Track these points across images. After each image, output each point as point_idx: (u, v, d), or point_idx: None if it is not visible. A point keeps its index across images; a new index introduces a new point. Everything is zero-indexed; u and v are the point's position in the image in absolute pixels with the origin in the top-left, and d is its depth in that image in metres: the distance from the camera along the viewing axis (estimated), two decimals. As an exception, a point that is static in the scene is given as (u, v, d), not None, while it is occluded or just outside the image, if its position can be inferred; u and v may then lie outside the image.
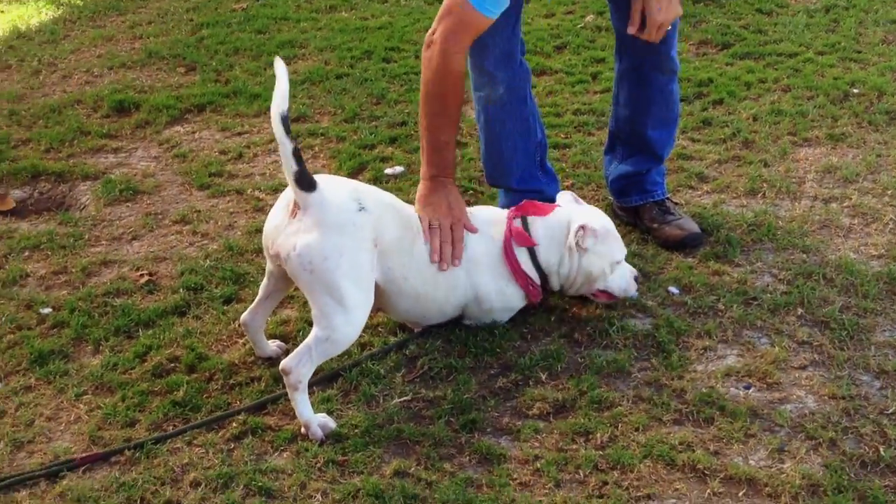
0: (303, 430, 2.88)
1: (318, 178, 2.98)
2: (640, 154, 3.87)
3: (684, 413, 2.93)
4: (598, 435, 2.84)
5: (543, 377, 3.11)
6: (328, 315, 2.88)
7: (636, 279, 3.38)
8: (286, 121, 2.82)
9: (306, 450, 2.82)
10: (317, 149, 4.75)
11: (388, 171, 4.46)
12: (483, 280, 3.24)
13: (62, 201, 4.49)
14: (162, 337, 3.35)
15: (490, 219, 3.35)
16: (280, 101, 2.81)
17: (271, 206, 4.19)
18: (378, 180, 4.39)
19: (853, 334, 3.24)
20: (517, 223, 3.29)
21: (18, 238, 4.09)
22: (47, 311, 3.55)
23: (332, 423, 2.89)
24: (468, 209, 3.35)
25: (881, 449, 2.76)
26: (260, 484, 2.68)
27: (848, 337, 3.22)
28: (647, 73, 3.69)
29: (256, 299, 3.18)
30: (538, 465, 2.75)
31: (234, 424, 2.93)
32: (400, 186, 4.32)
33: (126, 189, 4.42)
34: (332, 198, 2.94)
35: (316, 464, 2.77)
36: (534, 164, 3.80)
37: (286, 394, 3.01)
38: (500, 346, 3.24)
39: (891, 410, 2.90)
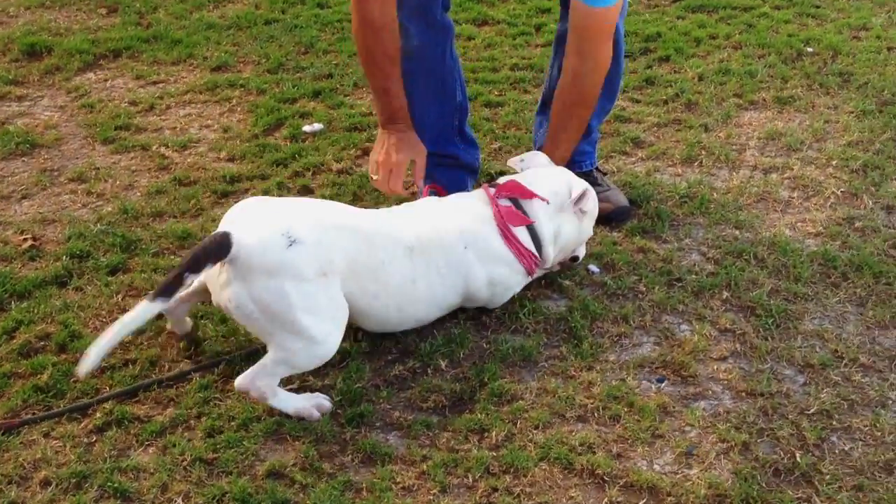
0: (296, 419, 2.65)
1: (240, 220, 2.65)
2: None
3: (589, 409, 2.69)
4: (495, 433, 2.61)
5: (443, 365, 2.86)
6: (296, 351, 2.62)
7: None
8: (161, 291, 2.51)
9: (174, 445, 2.57)
10: (234, 102, 4.46)
11: (307, 128, 4.18)
12: (470, 276, 2.93)
13: (-43, 153, 4.18)
14: (36, 311, 3.08)
15: (455, 209, 3.01)
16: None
17: (178, 164, 3.97)
18: (295, 138, 4.11)
19: (780, 322, 3.01)
20: (504, 203, 3.00)
21: None
22: (-84, 278, 3.26)
23: (327, 403, 2.67)
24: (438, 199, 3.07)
25: (797, 455, 2.54)
26: (116, 485, 2.43)
27: (774, 325, 3.00)
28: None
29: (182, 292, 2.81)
30: (425, 466, 2.52)
31: (99, 414, 2.67)
32: (318, 145, 4.05)
33: (23, 142, 4.12)
34: (255, 242, 2.57)
35: (182, 462, 2.52)
36: (450, 128, 3.53)
37: (161, 381, 2.77)
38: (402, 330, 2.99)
39: (812, 410, 2.68)
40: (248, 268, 2.57)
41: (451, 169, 3.55)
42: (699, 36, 4.96)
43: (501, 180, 3.10)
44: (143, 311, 2.50)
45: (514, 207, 3.00)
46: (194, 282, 2.67)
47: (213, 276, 2.66)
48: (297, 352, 2.63)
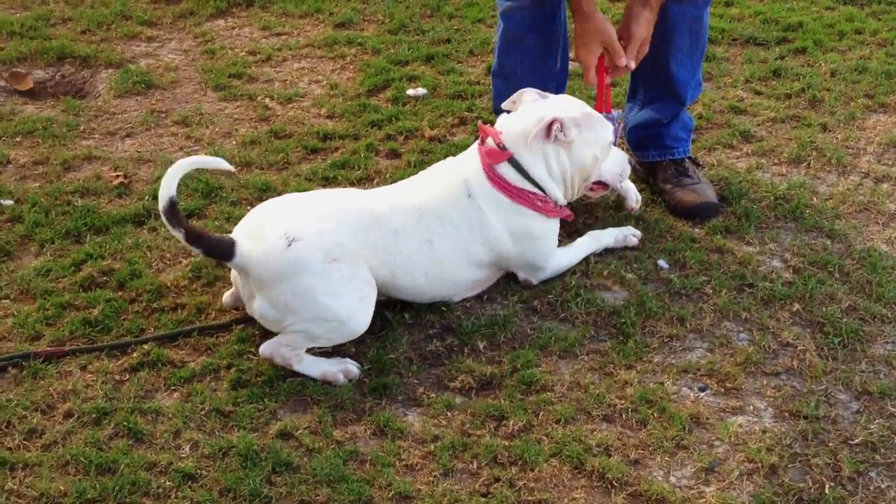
0: (322, 383, 2.69)
1: (242, 228, 2.75)
2: (664, 98, 3.45)
3: (618, 410, 2.59)
4: (513, 422, 2.55)
5: (482, 346, 2.81)
6: (323, 334, 2.69)
7: (630, 163, 3.16)
8: (173, 209, 2.60)
9: (198, 393, 2.62)
10: (348, 59, 4.48)
11: (410, 92, 4.16)
12: (485, 225, 2.88)
13: (81, 87, 4.36)
14: (107, 247, 3.18)
15: (456, 163, 2.99)
16: (166, 188, 2.61)
17: (279, 116, 4.02)
18: (398, 101, 4.10)
19: (848, 342, 2.81)
20: (484, 145, 2.95)
21: (17, 121, 3.97)
22: (9, 202, 3.43)
23: (354, 369, 2.69)
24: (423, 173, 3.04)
25: (827, 486, 2.38)
26: (132, 425, 2.50)
27: (840, 345, 2.80)
28: (667, 2, 3.23)
29: (235, 286, 2.88)
30: (434, 447, 2.48)
31: (136, 354, 2.75)
32: (417, 110, 4.02)
33: (140, 82, 4.25)
34: (256, 250, 2.65)
35: (201, 411, 2.57)
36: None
37: (202, 328, 2.82)
38: (448, 305, 2.94)
39: (856, 440, 2.50)
40: (260, 279, 2.66)
41: None
42: (844, 29, 4.66)
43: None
44: (165, 188, 2.61)
45: (494, 147, 2.91)
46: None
47: (241, 290, 2.77)
48: (326, 333, 2.67)
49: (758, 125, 3.91)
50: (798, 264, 3.12)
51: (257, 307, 2.69)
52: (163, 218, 2.63)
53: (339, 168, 3.62)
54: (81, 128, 3.93)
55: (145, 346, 2.77)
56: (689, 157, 3.50)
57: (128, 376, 2.69)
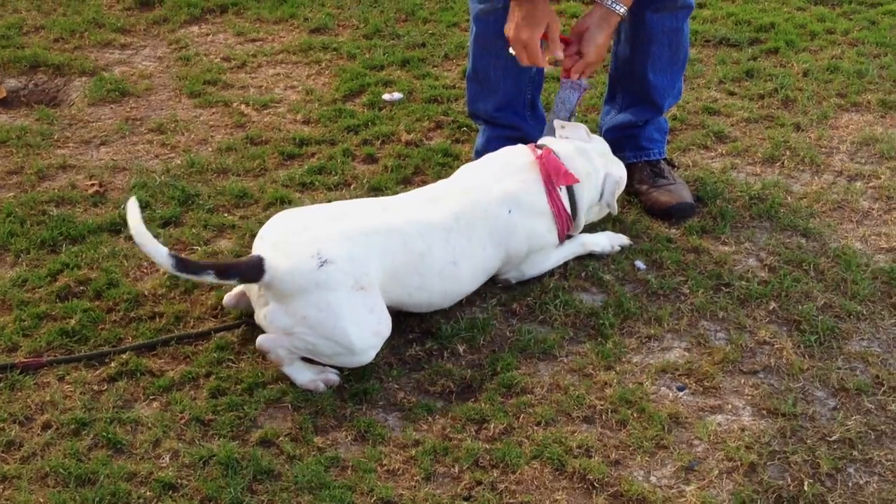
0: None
1: (267, 240, 2.67)
2: (641, 104, 3.47)
3: (598, 411, 2.60)
4: (493, 425, 2.55)
5: (461, 349, 2.81)
6: (328, 355, 2.65)
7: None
8: (180, 260, 2.57)
9: (177, 402, 2.61)
10: (323, 64, 4.47)
11: (386, 96, 4.16)
12: (512, 237, 2.91)
13: (55, 95, 4.34)
14: (83, 256, 3.17)
15: (499, 173, 3.00)
16: (153, 250, 2.56)
17: (254, 123, 4.01)
18: (374, 106, 4.10)
19: (824, 340, 2.84)
20: (559, 160, 3.01)
21: (-10, 132, 3.95)
22: (-17, 213, 3.40)
23: (334, 377, 2.67)
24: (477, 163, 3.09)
25: (806, 483, 2.40)
26: (111, 436, 2.49)
27: (817, 342, 2.83)
28: (644, 11, 3.25)
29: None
30: (415, 451, 2.48)
31: (115, 364, 2.73)
32: (393, 115, 4.02)
33: (114, 89, 4.23)
34: (286, 266, 2.58)
35: (180, 420, 2.56)
36: (522, 101, 3.47)
37: (180, 337, 2.81)
38: (428, 309, 2.95)
39: (834, 437, 2.52)
40: (283, 293, 2.60)
41: (510, 141, 3.49)
42: (815, 30, 4.70)
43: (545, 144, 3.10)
44: (159, 256, 2.55)
45: (565, 166, 2.99)
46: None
47: (253, 297, 2.72)
48: (331, 355, 2.65)
49: (732, 125, 3.94)
50: (774, 263, 3.15)
51: (271, 314, 2.63)
52: (180, 276, 2.61)
53: (316, 174, 3.62)
54: (55, 137, 3.91)
55: (123, 356, 2.76)
56: (665, 159, 3.52)
57: (106, 386, 2.68)
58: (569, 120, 3.22)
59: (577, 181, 3.00)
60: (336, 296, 2.57)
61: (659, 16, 3.25)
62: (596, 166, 3.08)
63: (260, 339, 2.66)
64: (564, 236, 3.06)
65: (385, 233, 2.71)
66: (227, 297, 2.90)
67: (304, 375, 2.67)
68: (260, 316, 2.69)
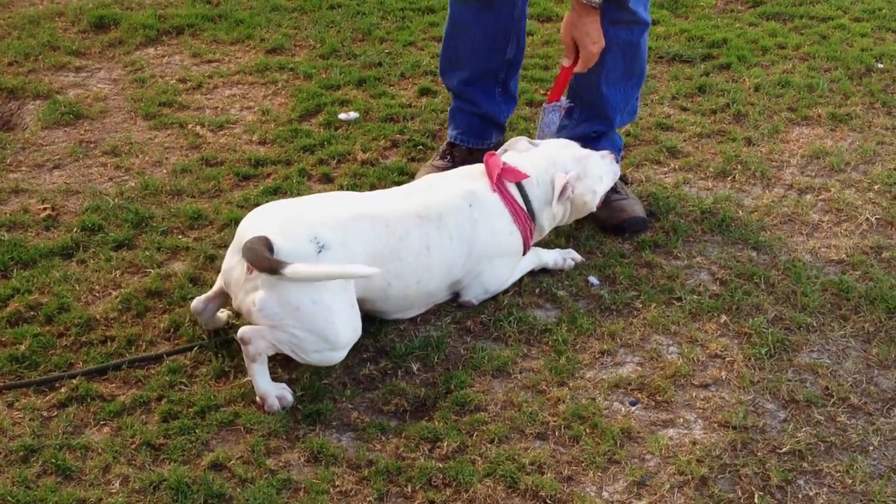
0: (258, 400, 2.65)
1: (266, 224, 2.68)
2: (594, 116, 3.50)
3: (551, 427, 2.61)
4: (447, 443, 2.55)
5: (415, 368, 2.82)
6: (310, 350, 2.66)
7: (612, 155, 3.32)
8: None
9: (128, 427, 2.59)
10: (280, 85, 4.48)
11: (342, 116, 4.17)
12: (475, 236, 2.98)
13: (8, 119, 4.31)
14: (35, 281, 3.14)
15: (457, 175, 3.13)
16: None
17: (210, 144, 4.00)
18: (330, 125, 4.10)
19: (774, 352, 2.86)
20: (501, 160, 3.09)
21: (-58, 157, 3.91)
22: (-66, 239, 3.37)
23: (289, 396, 2.67)
24: (436, 175, 3.16)
25: (756, 496, 2.42)
26: (60, 462, 2.47)
27: (767, 355, 2.85)
28: (602, 21, 3.29)
29: (212, 291, 2.87)
30: (368, 472, 2.48)
31: (65, 389, 2.71)
32: (350, 134, 4.03)
33: (69, 112, 4.21)
34: (285, 248, 2.63)
35: (131, 445, 2.54)
36: (492, 79, 3.63)
37: (132, 361, 2.79)
38: (382, 328, 2.95)
39: (784, 449, 2.54)
40: (278, 279, 2.60)
41: (469, 116, 3.62)
42: (767, 45, 4.76)
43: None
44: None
45: (509, 164, 3.07)
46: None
47: (237, 282, 2.70)
48: (312, 350, 2.66)
49: (684, 141, 3.98)
50: (725, 277, 3.18)
51: (262, 302, 2.62)
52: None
53: (272, 194, 3.61)
54: (8, 161, 3.88)
55: (74, 381, 2.74)
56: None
57: (56, 412, 2.66)
58: (552, 137, 3.36)
59: (525, 177, 3.07)
60: (329, 289, 2.63)
61: (615, 28, 3.30)
62: (543, 167, 3.12)
63: (242, 330, 2.65)
64: (529, 239, 3.10)
65: (370, 217, 2.80)
66: (196, 302, 2.89)
67: (265, 382, 2.66)
68: (247, 301, 2.67)
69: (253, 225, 2.72)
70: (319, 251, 2.65)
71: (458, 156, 3.62)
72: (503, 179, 3.05)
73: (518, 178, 3.07)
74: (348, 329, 2.68)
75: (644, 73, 3.51)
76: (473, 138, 3.64)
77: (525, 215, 3.07)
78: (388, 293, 2.87)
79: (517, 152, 3.17)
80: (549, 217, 3.15)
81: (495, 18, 3.53)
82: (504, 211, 3.03)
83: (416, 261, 2.87)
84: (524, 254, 3.11)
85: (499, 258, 3.03)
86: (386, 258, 2.80)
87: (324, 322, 2.62)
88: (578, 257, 3.24)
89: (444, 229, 2.93)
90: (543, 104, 3.41)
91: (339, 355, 2.71)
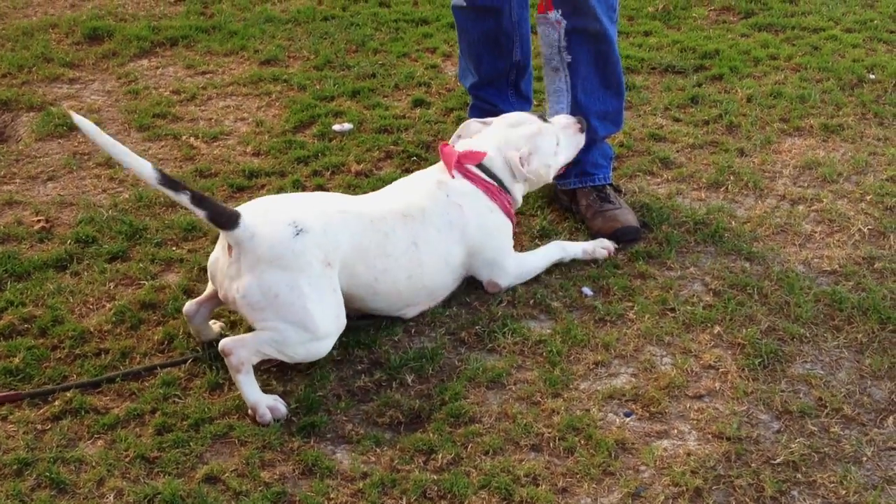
0: (249, 412, 2.65)
1: (247, 209, 2.74)
2: None
3: (545, 438, 2.61)
4: (441, 455, 2.55)
5: (410, 380, 2.82)
6: (294, 344, 2.69)
7: (578, 125, 3.36)
8: (165, 176, 2.61)
9: (122, 440, 2.59)
10: (274, 96, 4.48)
11: (336, 127, 4.18)
12: (462, 223, 3.05)
13: (2, 131, 4.31)
14: (29, 293, 3.14)
15: (429, 171, 3.20)
16: (136, 162, 2.60)
17: (204, 155, 4.00)
18: (324, 136, 4.11)
19: (768, 363, 2.87)
20: (454, 148, 3.18)
21: (-64, 169, 3.91)
22: (-73, 252, 3.36)
23: (283, 408, 2.67)
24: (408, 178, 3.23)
25: (750, 506, 2.42)
26: (55, 476, 2.46)
27: (761, 366, 2.86)
28: (570, 34, 3.39)
29: (204, 294, 2.89)
30: (363, 484, 2.48)
31: (59, 402, 2.71)
32: (343, 145, 4.04)
33: (62, 124, 4.21)
34: (263, 230, 2.68)
35: (125, 458, 2.54)
36: (504, 82, 3.76)
37: (126, 374, 2.79)
38: (377, 340, 2.95)
39: (778, 460, 2.55)
40: (257, 258, 2.65)
41: (486, 114, 3.61)
42: (759, 56, 4.78)
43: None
44: (143, 169, 2.60)
45: (465, 149, 3.17)
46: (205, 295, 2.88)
47: (221, 270, 2.72)
48: (296, 343, 2.68)
49: (677, 151, 3.99)
50: (718, 287, 3.18)
51: (244, 287, 2.65)
52: (161, 189, 2.62)
53: (265, 206, 3.61)
54: (2, 173, 3.89)
55: (68, 394, 2.74)
56: (610, 184, 3.56)
57: (50, 425, 2.65)
58: (554, 57, 3.41)
59: (483, 155, 3.15)
60: (306, 274, 2.66)
61: (583, 37, 3.38)
62: (495, 147, 3.19)
63: (222, 342, 2.67)
64: (511, 211, 3.18)
65: (355, 213, 2.87)
66: (188, 305, 2.89)
67: (254, 392, 2.67)
68: (231, 290, 2.70)
69: (243, 208, 2.78)
70: (297, 234, 2.68)
71: None
72: (464, 164, 3.12)
73: (478, 159, 3.14)
74: (329, 315, 2.70)
75: (622, 83, 3.53)
76: None
77: (497, 189, 3.14)
78: (376, 289, 2.90)
79: (470, 137, 3.25)
80: (519, 189, 3.22)
81: (493, 23, 3.63)
82: (476, 191, 3.10)
83: (405, 256, 2.92)
84: (513, 225, 3.19)
85: (493, 236, 3.10)
86: (372, 253, 2.85)
87: (301, 309, 2.65)
88: (611, 245, 3.29)
89: (430, 223, 2.99)
90: (536, 14, 3.43)
91: (323, 346, 2.72)
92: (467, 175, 3.13)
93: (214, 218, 2.66)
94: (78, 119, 2.56)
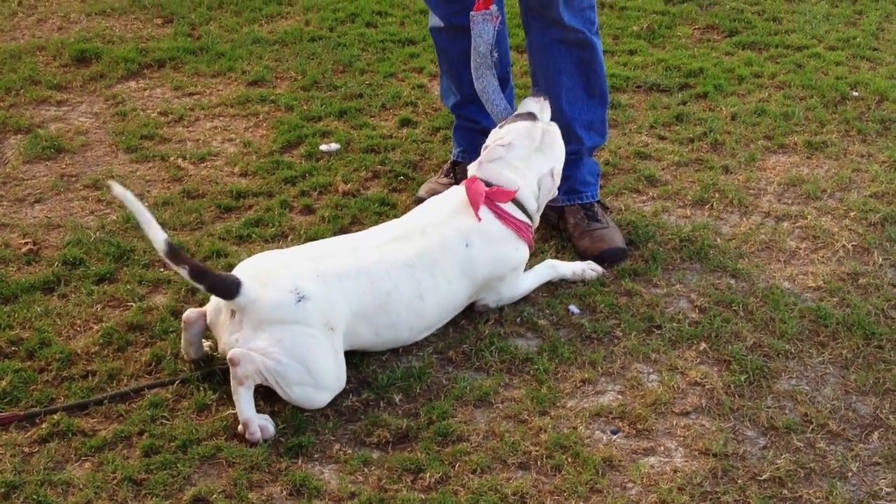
0: (240, 428, 2.66)
1: (245, 272, 2.74)
2: (565, 137, 3.52)
3: (533, 457, 2.62)
4: (429, 474, 2.56)
5: (397, 399, 2.83)
6: (293, 383, 2.71)
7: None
8: (171, 249, 2.64)
9: (110, 462, 2.59)
10: (261, 117, 4.50)
11: (324, 147, 4.19)
12: (475, 268, 3.02)
13: (-11, 154, 4.31)
14: (16, 316, 3.14)
15: (442, 222, 3.06)
16: (153, 230, 2.65)
17: (191, 176, 4.01)
18: (311, 157, 4.12)
19: (753, 379, 2.89)
20: (482, 185, 3.09)
21: (-77, 192, 3.91)
22: (-86, 275, 3.36)
23: (271, 428, 2.68)
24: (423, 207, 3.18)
25: (737, 523, 2.43)
26: (42, 498, 2.46)
27: (747, 382, 2.87)
28: (551, 43, 3.42)
29: (207, 307, 2.89)
30: None
31: (46, 425, 2.71)
32: (331, 165, 4.05)
33: (50, 146, 4.22)
34: (265, 296, 2.69)
35: (113, 480, 2.54)
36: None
37: (113, 395, 2.79)
38: (364, 360, 2.96)
39: (764, 476, 2.56)
40: (258, 320, 2.68)
41: (470, 133, 3.70)
42: (743, 74, 4.82)
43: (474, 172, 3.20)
44: (156, 238, 2.65)
45: (493, 187, 3.09)
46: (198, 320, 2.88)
47: (222, 324, 2.75)
48: (294, 383, 2.70)
49: (662, 169, 4.01)
50: (704, 304, 3.20)
51: (244, 339, 2.68)
52: (164, 259, 2.66)
53: (254, 226, 3.63)
54: (-11, 196, 3.89)
55: (55, 416, 2.73)
56: (598, 202, 3.58)
57: (37, 448, 2.65)
58: (490, 54, 3.36)
59: (515, 191, 3.11)
60: (310, 329, 2.67)
61: (567, 47, 3.42)
62: (524, 174, 3.17)
63: (233, 351, 2.67)
64: (532, 243, 3.19)
65: (355, 275, 2.82)
66: (190, 312, 2.90)
67: (250, 408, 2.67)
68: (231, 341, 2.71)
69: (243, 272, 2.76)
70: (299, 301, 2.69)
71: (460, 174, 3.67)
72: (496, 202, 3.07)
73: (509, 197, 3.10)
74: (330, 371, 2.72)
75: (606, 92, 3.56)
76: (476, 155, 3.64)
77: (527, 226, 3.14)
78: (376, 342, 2.93)
79: (490, 161, 3.18)
80: (538, 212, 3.24)
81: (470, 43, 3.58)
82: (506, 233, 3.08)
83: (409, 311, 2.90)
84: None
85: (512, 271, 3.10)
86: (373, 314, 2.85)
87: (306, 352, 2.67)
88: (599, 269, 3.30)
89: (440, 274, 2.95)
90: (471, 13, 3.37)
91: (319, 397, 2.73)
92: (500, 215, 3.08)
93: (214, 289, 2.69)
94: (118, 191, 2.70)
